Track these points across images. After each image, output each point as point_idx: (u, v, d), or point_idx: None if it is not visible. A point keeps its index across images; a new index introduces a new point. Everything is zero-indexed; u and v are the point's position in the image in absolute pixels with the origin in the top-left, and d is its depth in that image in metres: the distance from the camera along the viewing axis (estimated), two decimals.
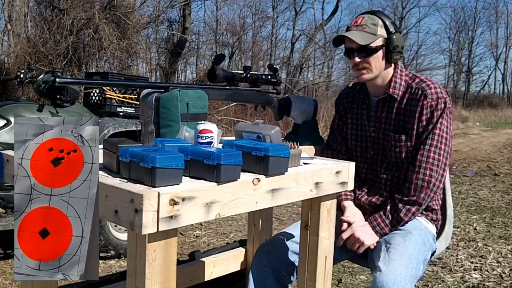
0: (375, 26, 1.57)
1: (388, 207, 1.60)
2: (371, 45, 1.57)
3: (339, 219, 1.62)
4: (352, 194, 1.71)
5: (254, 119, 6.92)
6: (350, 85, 1.83)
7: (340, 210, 1.66)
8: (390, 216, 1.59)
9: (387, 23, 1.58)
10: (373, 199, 1.67)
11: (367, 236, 1.58)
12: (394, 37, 1.57)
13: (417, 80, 1.63)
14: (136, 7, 9.59)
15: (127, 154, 1.05)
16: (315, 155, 1.74)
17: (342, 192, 1.66)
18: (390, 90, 1.63)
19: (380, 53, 1.59)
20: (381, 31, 1.58)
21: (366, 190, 1.71)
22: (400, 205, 1.58)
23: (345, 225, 1.61)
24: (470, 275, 2.74)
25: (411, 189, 1.58)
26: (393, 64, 1.64)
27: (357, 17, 1.63)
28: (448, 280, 2.67)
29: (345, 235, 1.59)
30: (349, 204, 1.68)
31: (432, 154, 1.57)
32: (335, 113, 1.86)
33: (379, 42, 1.58)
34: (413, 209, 1.58)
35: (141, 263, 0.99)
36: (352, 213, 1.65)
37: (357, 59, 1.59)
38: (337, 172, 1.38)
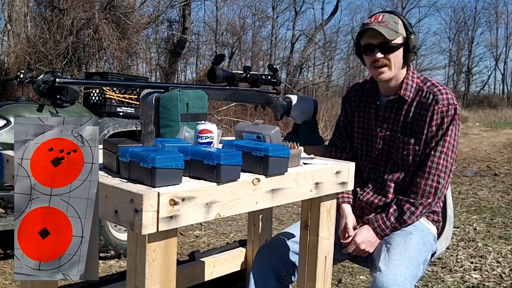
0: (396, 24, 1.56)
1: (391, 209, 1.60)
2: (394, 41, 1.55)
3: (338, 220, 1.63)
4: (350, 194, 1.72)
5: (254, 119, 6.91)
6: (360, 82, 1.82)
7: (338, 210, 1.66)
8: (392, 218, 1.59)
9: (406, 23, 1.58)
10: (376, 200, 1.67)
11: (370, 245, 1.60)
12: (412, 37, 1.57)
13: (428, 83, 1.62)
14: (136, 7, 9.59)
15: (127, 154, 1.05)
16: (315, 155, 1.73)
17: (339, 193, 1.67)
18: (402, 91, 1.62)
19: (400, 51, 1.57)
20: (402, 30, 1.57)
21: (368, 190, 1.70)
22: (405, 207, 1.58)
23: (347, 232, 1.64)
24: (470, 275, 2.74)
25: (418, 193, 1.58)
26: (406, 65, 1.63)
27: (376, 14, 1.61)
28: (448, 280, 2.67)
29: (350, 249, 1.61)
30: (347, 210, 1.68)
31: (442, 161, 1.57)
32: (341, 111, 1.85)
33: (399, 40, 1.57)
34: (417, 212, 1.58)
35: (141, 263, 0.99)
36: (352, 221, 1.66)
37: (379, 55, 1.56)
38: (337, 172, 1.38)
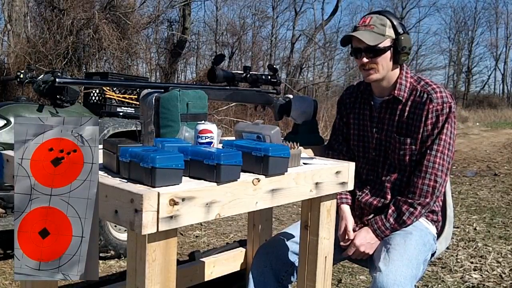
0: (384, 26, 1.56)
1: (390, 210, 1.60)
2: (379, 45, 1.56)
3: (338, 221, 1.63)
4: (348, 195, 1.71)
5: (254, 119, 6.91)
6: (354, 84, 1.82)
7: (337, 211, 1.66)
8: (391, 219, 1.59)
9: (396, 23, 1.58)
10: (374, 201, 1.67)
11: (369, 247, 1.59)
12: (402, 38, 1.57)
13: (422, 83, 1.62)
14: (136, 7, 9.58)
15: (127, 154, 1.05)
16: (314, 155, 1.73)
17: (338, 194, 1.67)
18: (395, 91, 1.63)
19: (388, 54, 1.58)
20: (390, 32, 1.57)
21: (367, 192, 1.70)
22: (404, 208, 1.58)
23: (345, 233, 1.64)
24: (470, 275, 2.74)
25: (416, 193, 1.58)
26: (399, 66, 1.63)
27: (365, 16, 1.62)
28: (448, 280, 2.67)
29: (350, 252, 1.61)
30: (346, 211, 1.68)
31: (438, 160, 1.57)
32: (336, 113, 1.86)
33: (387, 42, 1.57)
34: (416, 212, 1.58)
35: (141, 263, 0.99)
36: (352, 223, 1.66)
37: (365, 59, 1.58)
38: (337, 172, 1.38)
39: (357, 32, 1.58)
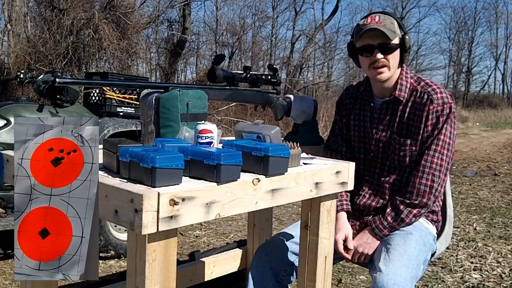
0: (393, 24, 1.56)
1: (388, 210, 1.59)
2: (392, 42, 1.55)
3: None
4: (348, 201, 1.70)
5: (254, 119, 6.92)
6: (354, 84, 1.81)
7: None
8: (389, 218, 1.58)
9: (400, 23, 1.58)
10: (373, 203, 1.66)
11: (367, 247, 1.59)
12: (407, 37, 1.57)
13: (422, 83, 1.61)
14: (136, 7, 9.58)
15: (127, 154, 1.05)
16: (314, 155, 1.73)
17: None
18: (396, 92, 1.62)
19: (397, 52, 1.58)
20: (398, 30, 1.57)
21: (364, 193, 1.69)
22: (402, 206, 1.58)
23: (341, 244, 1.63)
24: (470, 275, 2.74)
25: (413, 193, 1.57)
26: (400, 66, 1.63)
27: (371, 15, 1.58)
28: (448, 280, 2.67)
29: (349, 254, 1.61)
30: (343, 219, 1.65)
31: (435, 160, 1.56)
32: (335, 114, 1.85)
33: (397, 40, 1.56)
34: (415, 211, 1.58)
35: (141, 263, 0.99)
36: (350, 232, 1.64)
37: (379, 56, 1.55)
38: (337, 172, 1.38)
39: (376, 25, 1.53)
